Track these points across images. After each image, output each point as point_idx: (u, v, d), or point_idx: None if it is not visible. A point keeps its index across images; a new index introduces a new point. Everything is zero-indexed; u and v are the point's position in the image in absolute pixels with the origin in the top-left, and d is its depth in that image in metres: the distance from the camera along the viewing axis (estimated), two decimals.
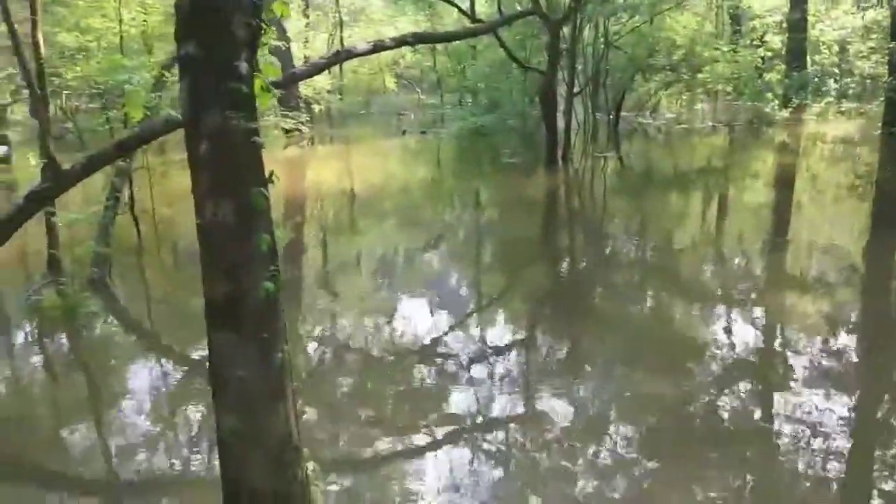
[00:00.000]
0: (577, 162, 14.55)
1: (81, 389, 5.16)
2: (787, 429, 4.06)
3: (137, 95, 5.26)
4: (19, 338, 6.03)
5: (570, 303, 6.54)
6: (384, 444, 4.08)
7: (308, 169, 15.66)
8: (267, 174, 2.65)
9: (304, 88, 20.43)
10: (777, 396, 4.52)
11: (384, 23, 28.36)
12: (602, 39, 18.91)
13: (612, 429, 4.16)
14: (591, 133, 18.72)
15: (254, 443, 2.50)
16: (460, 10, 15.03)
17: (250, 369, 2.50)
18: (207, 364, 2.58)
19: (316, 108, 22.67)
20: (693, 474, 3.66)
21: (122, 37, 8.21)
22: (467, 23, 13.96)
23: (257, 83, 2.69)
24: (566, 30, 14.72)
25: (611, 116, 19.33)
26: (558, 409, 4.39)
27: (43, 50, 6.29)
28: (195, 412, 4.60)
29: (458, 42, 19.28)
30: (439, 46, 23.75)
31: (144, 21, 13.92)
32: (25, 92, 17.07)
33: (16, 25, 5.74)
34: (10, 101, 18.32)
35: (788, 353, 5.17)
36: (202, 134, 2.54)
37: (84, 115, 18.24)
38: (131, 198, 7.82)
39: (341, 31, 26.19)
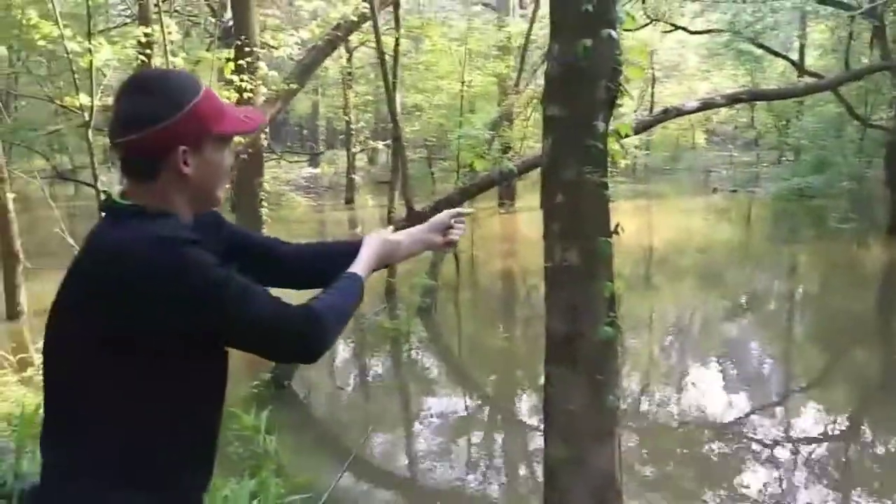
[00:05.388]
0: None
1: (405, 403, 5.87)
2: None
3: (479, 148, 5.91)
4: (361, 352, 7.06)
5: None
6: None
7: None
8: (613, 225, 2.82)
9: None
10: None
11: (697, 77, 27.66)
12: None
13: None
14: None
15: (578, 476, 2.65)
16: (791, 62, 14.11)
17: (582, 405, 2.65)
18: (542, 394, 2.79)
19: (622, 163, 22.79)
20: None
21: (462, 97, 9.26)
22: (794, 76, 13.05)
23: (611, 141, 2.90)
24: None
25: None
26: None
27: (399, 107, 7.41)
28: (490, 434, 4.94)
29: None
30: (759, 102, 22.40)
31: (469, 83, 15.48)
32: (369, 143, 20.09)
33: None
34: (359, 149, 21.66)
35: None
36: (558, 185, 2.80)
37: (410, 164, 20.72)
38: None
39: (653, 87, 26.14)
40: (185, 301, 1.13)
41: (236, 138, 1.52)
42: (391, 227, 1.61)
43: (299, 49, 7.92)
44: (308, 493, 3.72)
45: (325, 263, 1.49)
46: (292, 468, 4.27)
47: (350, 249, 1.48)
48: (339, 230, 14.98)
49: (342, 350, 7.06)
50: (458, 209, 1.66)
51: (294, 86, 7.18)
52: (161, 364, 1.17)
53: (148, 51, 6.27)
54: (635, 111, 18.00)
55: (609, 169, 2.92)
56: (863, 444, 4.99)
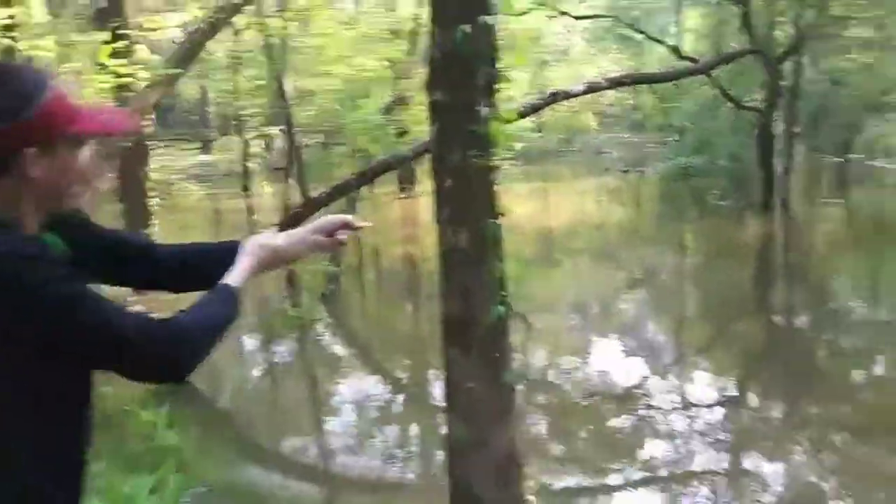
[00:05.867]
0: (797, 208, 13.53)
1: (311, 391, 5.82)
2: None
3: (379, 132, 5.89)
4: (265, 341, 6.93)
5: (786, 362, 6.01)
6: (578, 480, 4.17)
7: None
8: (500, 207, 2.89)
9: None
10: None
11: (584, 62, 28.53)
12: (826, 76, 17.48)
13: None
14: (812, 177, 17.33)
15: (480, 453, 2.72)
16: (669, 47, 14.81)
17: (480, 384, 2.73)
18: (444, 375, 2.86)
19: (517, 146, 23.23)
20: None
21: (354, 81, 9.17)
22: (674, 61, 13.73)
23: (493, 125, 2.96)
24: (786, 65, 13.86)
25: (836, 160, 17.75)
26: (768, 474, 4.12)
27: (290, 91, 7.26)
28: (399, 417, 5.00)
29: None
30: (641, 85, 23.37)
31: (362, 68, 15.16)
32: (262, 129, 19.50)
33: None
34: (253, 135, 21.01)
35: None
36: (446, 170, 2.85)
37: (306, 150, 20.33)
38: None
39: (544, 71, 26.74)
40: (32, 314, 1.06)
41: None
42: (275, 229, 1.54)
43: (182, 32, 7.57)
44: (211, 485, 3.65)
45: (204, 266, 1.41)
46: (197, 462, 4.16)
47: (232, 251, 1.39)
48: (236, 218, 14.53)
49: (246, 340, 6.89)
50: (349, 218, 1.51)
51: (176, 70, 6.87)
52: (21, 362, 1.08)
53: (12, 33, 5.80)
54: (527, 94, 18.37)
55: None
56: (753, 408, 5.32)
